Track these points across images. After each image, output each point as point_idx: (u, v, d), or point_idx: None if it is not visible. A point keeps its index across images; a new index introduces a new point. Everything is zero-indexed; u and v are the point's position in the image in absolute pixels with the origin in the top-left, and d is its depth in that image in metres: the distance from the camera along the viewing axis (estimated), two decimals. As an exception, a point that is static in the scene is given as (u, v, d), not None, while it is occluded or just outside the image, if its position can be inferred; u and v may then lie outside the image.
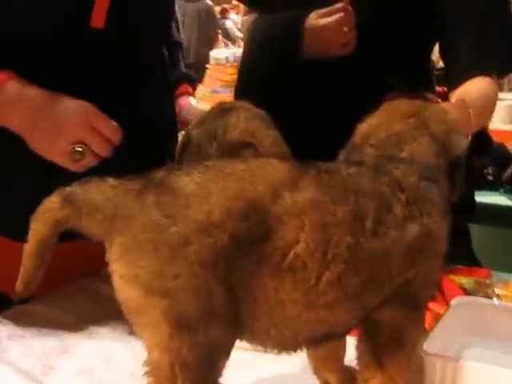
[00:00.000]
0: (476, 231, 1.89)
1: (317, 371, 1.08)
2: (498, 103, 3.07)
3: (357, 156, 1.01)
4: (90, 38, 1.30)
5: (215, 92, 4.95)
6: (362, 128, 1.06)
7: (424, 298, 0.98)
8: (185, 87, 1.80)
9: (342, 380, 1.07)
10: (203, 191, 0.85)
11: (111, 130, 1.26)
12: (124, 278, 0.85)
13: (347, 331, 0.98)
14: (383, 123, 1.05)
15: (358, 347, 0.99)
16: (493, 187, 2.47)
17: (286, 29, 1.49)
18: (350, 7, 1.46)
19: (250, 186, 0.87)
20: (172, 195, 0.85)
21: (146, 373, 0.86)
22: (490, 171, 2.47)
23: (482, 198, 2.33)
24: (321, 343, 0.97)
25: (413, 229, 0.93)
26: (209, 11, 8.09)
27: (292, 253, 0.86)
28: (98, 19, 1.29)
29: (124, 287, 0.85)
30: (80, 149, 1.24)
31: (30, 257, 0.88)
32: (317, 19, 1.46)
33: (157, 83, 1.44)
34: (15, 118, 1.25)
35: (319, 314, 0.90)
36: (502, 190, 2.50)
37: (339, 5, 1.45)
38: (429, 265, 0.96)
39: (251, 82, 1.57)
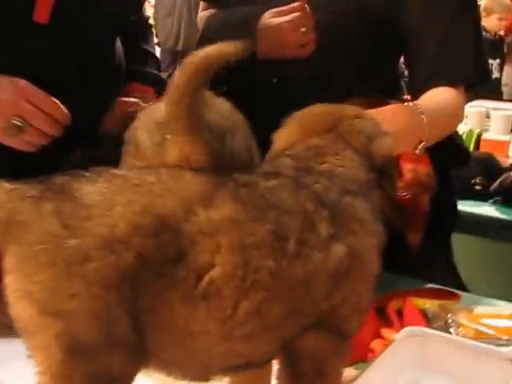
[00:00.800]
0: (461, 241, 1.83)
1: None
2: (494, 113, 2.99)
3: (273, 167, 0.91)
4: (33, 33, 1.29)
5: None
6: (279, 138, 0.97)
7: (351, 325, 0.88)
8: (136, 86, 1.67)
9: None
10: (107, 202, 0.76)
11: (50, 105, 1.24)
12: (17, 292, 0.76)
13: (266, 362, 0.89)
14: (301, 135, 0.95)
15: (278, 375, 0.90)
16: (480, 198, 2.41)
17: (238, 28, 1.39)
18: (307, 6, 1.36)
19: (160, 199, 0.77)
20: (73, 204, 0.76)
21: None
22: (478, 181, 2.40)
23: (469, 207, 2.33)
24: (237, 372, 0.88)
25: (338, 249, 0.84)
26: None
27: (206, 277, 0.77)
28: (41, 14, 1.28)
29: (16, 303, 0.76)
30: (18, 123, 1.23)
31: None
32: (271, 18, 1.36)
33: (107, 81, 1.39)
34: None
35: (235, 345, 0.81)
36: (490, 201, 2.43)
37: (296, 4, 1.35)
38: (356, 289, 0.87)
39: None
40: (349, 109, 0.99)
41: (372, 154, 0.94)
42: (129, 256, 0.75)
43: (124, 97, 1.44)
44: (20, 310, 0.76)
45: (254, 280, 0.79)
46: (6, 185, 0.78)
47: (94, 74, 1.38)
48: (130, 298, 0.75)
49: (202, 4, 1.64)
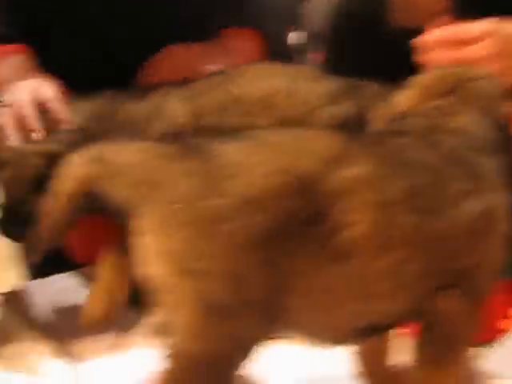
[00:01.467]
0: None
1: (360, 374, 0.98)
2: None
3: (400, 127, 0.89)
4: None
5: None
6: (400, 100, 0.95)
7: (485, 285, 0.87)
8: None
9: (382, 379, 0.97)
10: (245, 162, 0.75)
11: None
12: (154, 252, 0.76)
13: (397, 323, 0.87)
14: (422, 98, 0.93)
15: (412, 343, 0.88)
16: None
17: None
18: None
19: (297, 159, 0.76)
20: (212, 164, 0.75)
21: (167, 356, 0.77)
22: None
23: None
24: (367, 337, 0.87)
25: (471, 207, 0.82)
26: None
27: (346, 236, 0.76)
28: None
29: (153, 263, 0.76)
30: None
31: (58, 213, 0.80)
32: None
33: None
34: None
35: (370, 305, 0.80)
36: None
37: None
38: (490, 248, 0.85)
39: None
40: (470, 69, 0.96)
41: (496, 115, 0.92)
42: (268, 216, 0.74)
43: None
44: (157, 269, 0.76)
45: (392, 237, 0.77)
46: (142, 142, 0.77)
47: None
48: (269, 260, 0.75)
49: None
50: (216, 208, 0.73)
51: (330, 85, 1.16)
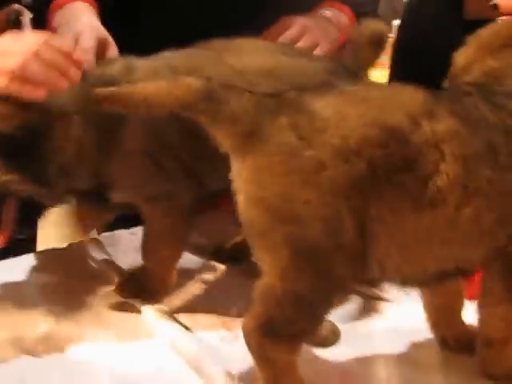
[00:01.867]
0: None
1: (434, 327, 1.02)
2: None
3: (457, 87, 0.94)
4: None
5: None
6: (459, 58, 0.97)
7: None
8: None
9: (459, 337, 1.02)
10: (340, 115, 0.81)
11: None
12: (252, 199, 0.81)
13: (474, 268, 0.93)
14: (477, 55, 0.96)
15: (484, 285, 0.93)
16: None
17: None
18: None
19: (388, 112, 0.82)
20: (308, 117, 0.81)
21: (258, 295, 0.83)
22: None
23: None
24: (447, 279, 0.92)
25: None
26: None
27: (433, 185, 0.82)
28: None
29: (250, 208, 0.82)
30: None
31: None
32: None
33: None
34: None
35: (453, 249, 0.86)
36: None
37: None
38: None
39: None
40: None
41: None
42: (360, 165, 0.79)
43: None
44: (254, 215, 0.82)
45: (474, 187, 0.83)
46: (249, 94, 0.83)
47: None
48: (360, 207, 0.80)
49: None
50: (313, 159, 0.79)
51: (321, 61, 1.17)
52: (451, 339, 1.01)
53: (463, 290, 1.01)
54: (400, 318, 1.07)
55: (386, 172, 0.80)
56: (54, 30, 1.26)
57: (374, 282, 1.02)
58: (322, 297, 0.83)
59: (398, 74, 1.47)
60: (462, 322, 1.02)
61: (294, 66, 1.13)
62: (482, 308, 0.94)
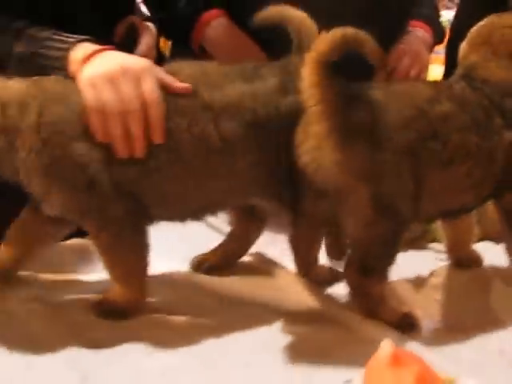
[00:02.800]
0: None
1: (451, 251, 1.33)
2: None
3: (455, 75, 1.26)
4: None
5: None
6: (460, 53, 1.29)
7: None
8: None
9: (468, 258, 1.33)
10: (389, 101, 1.11)
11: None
12: (337, 165, 1.04)
13: (473, 208, 1.27)
14: (466, 51, 1.27)
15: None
16: None
17: None
18: None
19: (415, 99, 1.12)
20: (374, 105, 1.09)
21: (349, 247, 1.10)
22: None
23: None
24: (454, 215, 1.26)
25: (508, 135, 1.18)
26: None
27: (449, 149, 1.12)
28: None
29: (338, 175, 1.05)
30: None
31: None
32: None
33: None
34: None
35: (461, 195, 1.18)
36: None
37: None
38: None
39: None
40: (504, 18, 1.28)
41: None
42: (411, 135, 1.08)
43: None
44: (338, 179, 1.05)
45: (467, 151, 1.14)
46: None
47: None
48: (413, 164, 1.09)
49: None
50: (381, 134, 1.06)
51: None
52: (464, 259, 1.31)
53: (471, 219, 1.33)
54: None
55: (424, 140, 1.09)
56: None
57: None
58: (397, 233, 1.11)
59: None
60: (471, 250, 1.35)
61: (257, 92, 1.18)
62: None
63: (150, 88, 1.10)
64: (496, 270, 1.32)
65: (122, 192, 1.10)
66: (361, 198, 1.06)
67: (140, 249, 1.14)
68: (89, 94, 1.09)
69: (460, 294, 1.25)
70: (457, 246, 1.33)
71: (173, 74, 1.14)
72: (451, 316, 1.18)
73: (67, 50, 1.17)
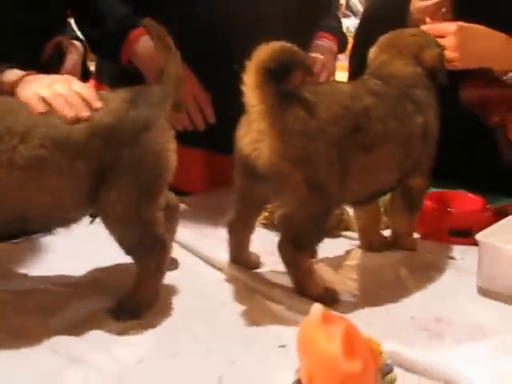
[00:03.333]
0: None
1: (362, 235, 1.51)
2: None
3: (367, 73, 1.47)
4: None
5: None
6: (370, 54, 1.49)
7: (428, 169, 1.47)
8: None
9: (378, 242, 1.51)
10: (315, 102, 1.26)
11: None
12: (278, 153, 1.20)
13: (391, 189, 1.45)
14: (377, 53, 1.48)
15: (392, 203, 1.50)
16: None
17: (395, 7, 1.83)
18: None
19: (341, 97, 1.29)
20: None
21: (282, 224, 1.24)
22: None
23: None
24: (374, 198, 1.44)
25: (419, 119, 1.39)
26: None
27: (370, 137, 1.29)
28: None
29: (277, 160, 1.20)
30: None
31: None
32: (420, 2, 1.76)
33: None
34: None
35: (381, 175, 1.36)
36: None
37: None
38: (428, 146, 1.43)
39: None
40: (410, 30, 1.52)
41: (423, 58, 1.46)
42: (338, 130, 1.24)
43: None
44: (278, 164, 1.20)
45: (387, 134, 1.32)
46: None
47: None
48: (340, 154, 1.24)
49: None
50: (313, 127, 1.22)
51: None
52: (375, 242, 1.48)
53: (379, 209, 1.51)
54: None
55: (350, 133, 1.26)
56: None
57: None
58: (327, 212, 1.27)
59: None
60: (380, 231, 1.51)
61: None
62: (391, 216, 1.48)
63: (80, 86, 1.27)
64: (402, 252, 1.49)
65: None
66: (296, 181, 1.20)
67: None
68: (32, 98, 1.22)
69: (373, 273, 1.41)
70: (367, 232, 1.50)
71: None
72: (367, 291, 1.34)
73: None
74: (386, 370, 1.01)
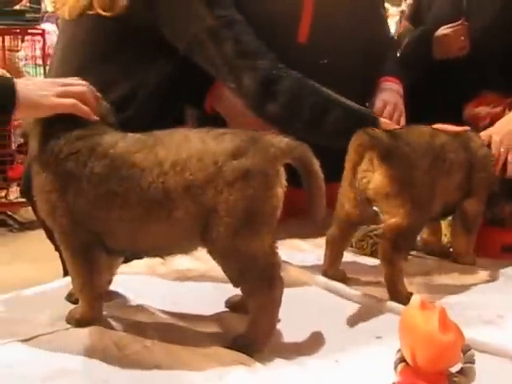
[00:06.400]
0: None
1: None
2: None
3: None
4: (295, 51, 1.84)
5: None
6: None
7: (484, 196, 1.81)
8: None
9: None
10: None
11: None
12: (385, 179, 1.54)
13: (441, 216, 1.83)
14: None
15: (453, 226, 1.83)
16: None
17: (419, 37, 2.31)
18: (465, 22, 2.24)
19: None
20: None
21: (388, 231, 1.55)
22: None
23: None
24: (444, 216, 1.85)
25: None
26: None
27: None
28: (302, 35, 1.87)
29: (385, 185, 1.54)
30: None
31: None
32: (442, 30, 2.22)
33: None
34: None
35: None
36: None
37: (459, 22, 2.23)
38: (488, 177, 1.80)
39: None
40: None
41: None
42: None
43: None
44: (388, 188, 1.55)
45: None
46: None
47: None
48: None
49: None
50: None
51: (233, 141, 1.30)
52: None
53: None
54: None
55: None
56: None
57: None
58: (423, 222, 1.61)
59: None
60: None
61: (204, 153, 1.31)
62: None
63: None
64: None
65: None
66: (404, 198, 1.55)
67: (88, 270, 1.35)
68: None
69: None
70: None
71: None
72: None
73: None
74: (466, 349, 1.18)
